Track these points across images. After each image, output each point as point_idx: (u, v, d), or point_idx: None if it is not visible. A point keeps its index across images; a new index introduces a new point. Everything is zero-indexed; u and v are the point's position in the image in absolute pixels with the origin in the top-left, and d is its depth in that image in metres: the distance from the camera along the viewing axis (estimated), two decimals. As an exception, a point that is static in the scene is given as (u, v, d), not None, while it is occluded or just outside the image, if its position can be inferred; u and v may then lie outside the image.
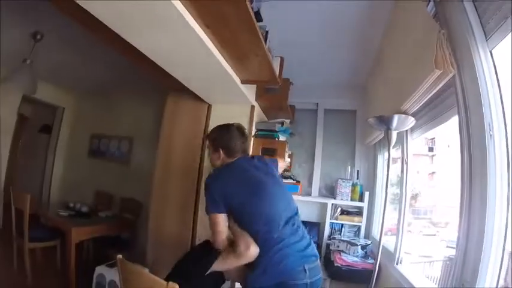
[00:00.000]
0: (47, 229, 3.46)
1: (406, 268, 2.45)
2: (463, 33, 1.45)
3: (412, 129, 2.47)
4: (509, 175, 1.22)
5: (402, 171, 2.66)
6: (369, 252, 3.20)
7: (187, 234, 3.00)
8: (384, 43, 2.79)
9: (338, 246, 3.28)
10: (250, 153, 2.98)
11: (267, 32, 2.10)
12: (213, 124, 2.99)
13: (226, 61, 2.20)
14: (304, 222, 3.74)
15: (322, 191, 4.02)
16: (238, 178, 1.81)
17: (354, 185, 3.65)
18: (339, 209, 3.66)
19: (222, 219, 1.71)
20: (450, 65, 1.41)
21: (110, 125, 5.25)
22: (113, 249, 3.46)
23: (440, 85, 1.60)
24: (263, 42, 1.94)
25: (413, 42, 1.93)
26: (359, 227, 3.60)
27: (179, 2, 1.48)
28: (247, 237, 1.65)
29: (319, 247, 3.60)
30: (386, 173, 2.26)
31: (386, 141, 2.21)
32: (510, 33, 1.21)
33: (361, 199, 3.61)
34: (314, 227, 3.77)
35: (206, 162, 3.01)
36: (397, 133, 2.18)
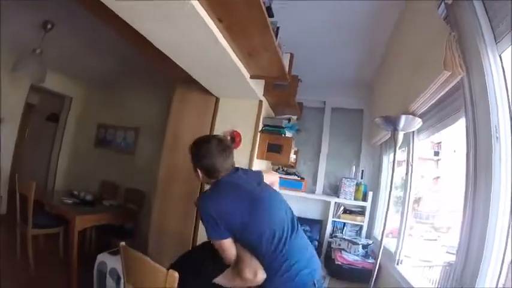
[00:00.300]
0: (51, 216, 3.45)
1: (405, 268, 2.46)
2: (473, 36, 1.45)
3: (419, 130, 2.47)
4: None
5: (407, 173, 2.66)
6: (369, 252, 3.21)
7: (190, 227, 3.02)
8: (392, 43, 2.79)
9: (339, 245, 3.29)
10: (256, 150, 3.00)
11: (277, 27, 2.11)
12: (220, 117, 3.05)
13: (237, 55, 2.21)
14: (307, 220, 3.77)
15: (326, 189, 4.04)
16: (233, 196, 1.65)
17: (358, 185, 3.65)
18: (342, 208, 3.67)
19: (229, 245, 1.60)
20: (459, 66, 1.41)
21: (117, 115, 5.28)
22: (116, 238, 3.46)
23: (449, 87, 1.60)
24: (274, 37, 1.95)
25: (423, 43, 1.93)
26: (361, 227, 3.61)
27: (193, -5, 1.49)
28: (253, 262, 1.59)
29: (320, 245, 3.62)
30: (391, 174, 2.27)
31: (392, 141, 2.21)
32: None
33: (364, 199, 3.61)
34: (316, 225, 3.78)
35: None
36: (404, 134, 2.18)
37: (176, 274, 1.48)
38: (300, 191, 3.65)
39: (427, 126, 2.35)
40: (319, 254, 3.24)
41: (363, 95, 3.98)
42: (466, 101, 1.51)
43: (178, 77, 2.91)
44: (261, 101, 3.04)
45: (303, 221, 3.61)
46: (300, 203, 3.83)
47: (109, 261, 2.75)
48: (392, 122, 2.06)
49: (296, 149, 3.62)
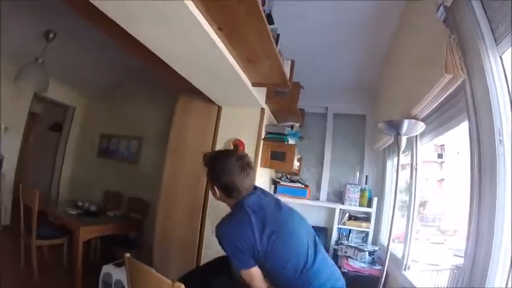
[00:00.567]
0: (55, 227, 3.45)
1: (413, 275, 2.43)
2: (473, 39, 1.44)
3: (422, 134, 2.46)
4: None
5: (411, 177, 2.64)
6: (376, 259, 3.18)
7: (195, 237, 3.00)
8: (392, 49, 2.79)
9: (345, 252, 3.26)
10: (260, 158, 2.99)
11: (278, 34, 2.11)
12: (223, 126, 3.05)
13: (238, 63, 2.21)
14: (312, 227, 3.74)
15: (330, 196, 4.02)
16: (256, 223, 1.52)
17: (362, 191, 3.63)
18: (347, 214, 3.64)
19: (257, 274, 1.51)
20: (460, 69, 1.41)
21: (120, 125, 5.28)
22: (120, 248, 3.46)
23: (451, 90, 1.60)
24: (274, 45, 1.96)
25: (423, 47, 1.93)
26: (367, 233, 3.58)
27: (192, 4, 1.50)
28: None
29: (326, 252, 3.58)
30: (395, 179, 2.25)
31: (395, 146, 2.20)
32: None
33: (369, 205, 3.59)
34: (322, 232, 3.75)
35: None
36: (407, 138, 2.17)
37: (182, 286, 1.47)
38: (304, 199, 3.63)
39: (430, 130, 2.33)
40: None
41: (365, 101, 3.98)
42: (468, 103, 1.50)
43: (181, 86, 2.93)
44: (263, 109, 3.04)
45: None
46: (305, 210, 3.79)
47: (114, 272, 2.75)
48: (395, 127, 2.05)
49: (299, 156, 3.61)
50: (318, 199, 3.99)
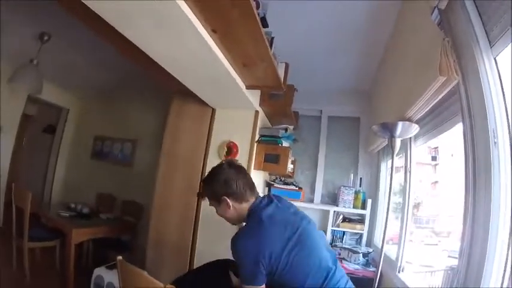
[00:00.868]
0: (47, 229, 3.43)
1: (407, 276, 2.43)
2: (468, 41, 1.45)
3: (416, 136, 2.47)
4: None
5: (405, 180, 2.65)
6: (370, 260, 3.19)
7: (188, 239, 2.99)
8: (387, 51, 2.81)
9: (339, 254, 3.27)
10: (253, 160, 2.99)
11: (272, 38, 2.11)
12: (217, 128, 3.04)
13: (232, 66, 2.20)
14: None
15: (324, 198, 4.02)
16: (277, 232, 1.46)
17: (356, 193, 3.64)
18: (341, 216, 3.64)
19: None
20: (454, 71, 1.41)
21: (114, 127, 5.24)
22: (113, 251, 3.45)
23: (445, 92, 1.60)
24: (269, 47, 1.95)
25: (418, 50, 1.94)
26: (361, 235, 3.58)
27: (186, 6, 1.49)
28: None
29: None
30: (389, 181, 2.25)
31: (389, 148, 2.20)
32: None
33: (363, 207, 3.60)
34: (316, 234, 3.75)
35: (210, 168, 3.00)
36: (401, 140, 2.17)
37: None
38: (298, 201, 3.63)
39: (424, 132, 2.34)
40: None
41: (360, 103, 3.99)
42: (462, 106, 1.50)
43: (175, 88, 2.93)
44: (257, 112, 3.03)
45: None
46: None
47: (106, 275, 2.74)
48: (389, 129, 2.06)
49: (293, 159, 3.61)
50: (312, 201, 3.99)
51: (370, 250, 3.30)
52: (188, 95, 2.84)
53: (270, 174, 3.85)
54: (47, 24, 3.33)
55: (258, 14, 1.66)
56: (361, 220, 3.60)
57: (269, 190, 3.62)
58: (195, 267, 2.71)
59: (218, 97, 2.87)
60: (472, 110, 1.44)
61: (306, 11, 2.52)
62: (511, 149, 1.24)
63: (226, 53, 2.02)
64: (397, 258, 2.57)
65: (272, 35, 2.12)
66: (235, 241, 1.47)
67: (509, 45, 1.26)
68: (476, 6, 1.44)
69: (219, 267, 1.88)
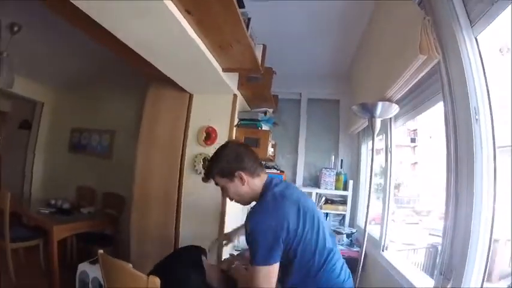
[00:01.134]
0: (29, 228, 3.41)
1: (391, 255, 2.47)
2: (448, 20, 1.44)
3: (396, 117, 2.48)
4: (495, 159, 1.22)
5: (386, 160, 2.67)
6: (354, 241, 3.23)
7: (171, 228, 2.96)
8: (367, 31, 2.78)
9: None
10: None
11: (249, 18, 2.05)
12: (195, 114, 3.00)
13: (207, 48, 2.13)
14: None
15: (306, 181, 4.03)
16: (293, 206, 1.47)
17: (338, 174, 3.65)
18: (323, 198, 3.65)
19: (275, 271, 1.40)
20: (435, 50, 1.40)
21: (91, 119, 5.11)
22: (97, 245, 3.39)
23: (425, 71, 1.60)
24: (245, 29, 1.89)
25: (398, 29, 1.91)
26: (344, 216, 3.61)
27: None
28: None
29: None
30: (370, 162, 2.26)
31: (370, 129, 2.20)
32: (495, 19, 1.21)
33: (345, 188, 3.62)
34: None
35: (189, 154, 2.98)
36: (381, 121, 2.17)
37: (157, 280, 1.45)
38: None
39: (404, 112, 2.35)
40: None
41: (339, 86, 3.97)
42: (443, 84, 1.50)
43: (151, 75, 2.83)
44: (235, 95, 2.98)
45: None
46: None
47: (90, 270, 2.70)
48: (369, 110, 2.05)
49: (274, 142, 3.58)
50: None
51: (354, 230, 3.34)
52: (165, 81, 2.75)
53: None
54: (16, 14, 3.17)
55: (234, -6, 1.60)
56: (343, 201, 3.62)
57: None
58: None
59: (195, 82, 2.79)
60: (452, 89, 1.43)
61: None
62: (492, 126, 1.25)
63: (201, 34, 1.94)
64: (380, 238, 2.60)
65: (249, 16, 2.05)
66: (253, 217, 1.44)
67: (490, 25, 1.26)
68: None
69: (193, 252, 1.92)
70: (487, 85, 1.29)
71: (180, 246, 2.88)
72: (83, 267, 2.75)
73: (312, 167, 4.03)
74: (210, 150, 2.87)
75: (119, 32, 1.85)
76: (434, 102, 1.93)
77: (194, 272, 1.73)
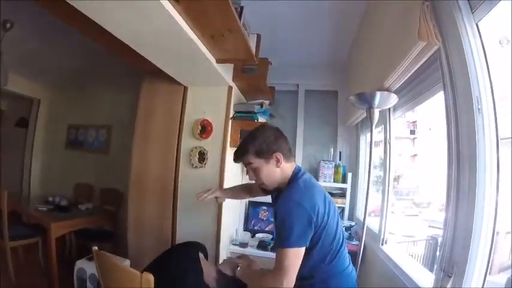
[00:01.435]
0: (29, 226, 3.42)
1: (390, 248, 2.44)
2: (448, 5, 1.38)
3: (395, 107, 2.42)
4: (498, 150, 1.18)
5: (385, 152, 2.63)
6: (353, 234, 3.19)
7: (168, 222, 2.94)
8: (365, 19, 2.73)
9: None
10: (229, 138, 2.92)
11: (241, 7, 2.00)
12: (189, 107, 2.96)
13: (199, 39, 2.07)
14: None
15: (305, 174, 3.99)
16: (322, 194, 1.55)
17: (336, 167, 3.60)
18: (323, 191, 3.62)
19: (303, 253, 1.43)
20: (434, 36, 1.35)
21: (87, 115, 5.13)
22: (96, 242, 3.38)
23: (425, 58, 1.56)
24: (237, 17, 1.84)
25: (396, 17, 1.86)
26: (343, 209, 3.56)
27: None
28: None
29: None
30: (368, 154, 2.23)
31: (368, 120, 2.16)
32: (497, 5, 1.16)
33: (344, 180, 3.57)
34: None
35: (185, 148, 2.95)
36: (380, 112, 2.13)
37: (151, 276, 1.44)
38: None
39: (403, 103, 2.30)
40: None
41: (337, 76, 3.92)
42: (443, 72, 1.44)
43: (145, 69, 2.81)
44: (230, 87, 2.93)
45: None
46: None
47: (87, 267, 2.70)
48: (367, 100, 2.01)
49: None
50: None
51: (353, 223, 3.31)
52: (159, 74, 2.71)
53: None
54: (8, 11, 3.11)
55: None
56: (342, 194, 3.57)
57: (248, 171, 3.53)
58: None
59: (188, 74, 2.73)
60: (453, 76, 1.38)
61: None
62: (495, 115, 1.20)
63: (191, 24, 1.89)
64: (380, 231, 2.57)
65: (241, 4, 2.00)
66: (288, 200, 1.46)
67: (492, 11, 1.21)
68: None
69: (190, 249, 1.91)
70: (489, 73, 1.24)
71: (177, 240, 2.89)
72: (81, 264, 2.74)
73: (310, 160, 3.98)
74: (206, 144, 2.85)
75: (106, 23, 1.80)
76: (433, 93, 1.88)
77: (191, 270, 1.72)
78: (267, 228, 3.50)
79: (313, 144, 4.03)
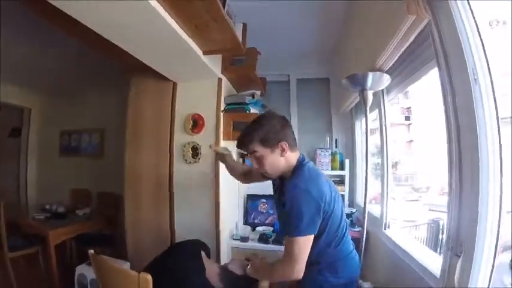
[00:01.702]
0: (28, 235, 3.37)
1: (393, 232, 2.42)
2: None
3: (388, 89, 2.38)
4: (498, 120, 1.13)
5: (381, 137, 2.59)
6: (355, 221, 3.18)
7: (165, 220, 2.93)
8: (353, 2, 2.68)
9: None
10: (221, 131, 2.89)
11: (225, -4, 1.95)
12: (180, 102, 2.94)
13: (183, 29, 2.02)
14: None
15: (302, 163, 3.96)
16: (327, 182, 1.56)
17: (333, 154, 3.59)
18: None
19: (311, 241, 1.44)
20: (424, 9, 1.31)
21: (79, 120, 5.09)
22: (97, 246, 3.35)
23: (416, 33, 1.52)
24: (220, 5, 1.79)
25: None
26: (342, 196, 3.55)
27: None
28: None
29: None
30: (364, 140, 2.19)
31: (362, 105, 2.12)
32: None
33: (341, 168, 3.55)
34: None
35: (177, 144, 2.91)
36: (373, 95, 2.09)
37: (149, 276, 1.41)
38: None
39: (396, 83, 2.26)
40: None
41: (327, 63, 3.89)
42: (436, 47, 1.39)
43: (132, 66, 2.75)
44: (220, 79, 2.89)
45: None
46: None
47: (88, 272, 2.67)
48: (359, 82, 1.97)
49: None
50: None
51: (354, 210, 3.28)
52: (146, 72, 2.68)
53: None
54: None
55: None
56: (341, 181, 3.55)
57: (243, 161, 3.47)
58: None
59: (176, 68, 2.68)
60: (446, 50, 1.34)
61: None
62: (492, 86, 1.16)
63: (174, 15, 1.84)
64: (381, 216, 2.55)
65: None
66: (296, 188, 1.45)
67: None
68: None
69: (192, 247, 1.90)
70: (482, 44, 1.20)
71: (176, 238, 2.89)
72: (81, 269, 2.73)
73: (306, 148, 3.92)
74: (199, 139, 2.83)
75: (83, 17, 1.76)
76: (426, 70, 1.85)
77: (193, 267, 1.71)
78: (267, 221, 3.46)
79: (308, 133, 3.99)
